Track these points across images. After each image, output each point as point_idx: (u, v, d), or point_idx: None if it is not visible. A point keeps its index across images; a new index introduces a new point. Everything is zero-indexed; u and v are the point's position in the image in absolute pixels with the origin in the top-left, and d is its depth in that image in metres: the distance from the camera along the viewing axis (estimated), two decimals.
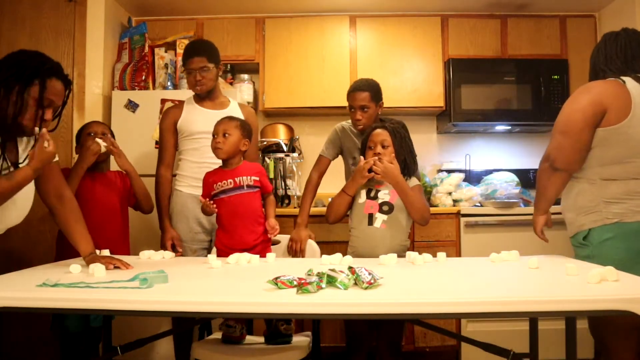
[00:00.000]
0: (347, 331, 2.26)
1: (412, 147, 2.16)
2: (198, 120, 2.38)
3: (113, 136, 2.33)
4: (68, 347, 2.18)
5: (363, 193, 2.10)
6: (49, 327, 2.19)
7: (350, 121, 2.49)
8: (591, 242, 1.76)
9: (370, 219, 2.05)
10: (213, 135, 2.06)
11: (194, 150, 2.39)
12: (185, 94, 2.68)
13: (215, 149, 2.06)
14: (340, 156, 2.61)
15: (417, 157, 2.18)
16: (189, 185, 2.38)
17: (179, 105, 2.47)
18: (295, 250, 2.31)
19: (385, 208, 2.05)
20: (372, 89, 2.40)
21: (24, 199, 1.68)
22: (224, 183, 2.05)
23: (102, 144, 2.19)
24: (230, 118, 2.12)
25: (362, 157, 2.09)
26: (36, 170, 1.58)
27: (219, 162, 2.26)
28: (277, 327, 1.97)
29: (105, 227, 2.19)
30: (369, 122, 2.37)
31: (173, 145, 2.43)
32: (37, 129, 1.58)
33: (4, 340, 1.70)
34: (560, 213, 1.94)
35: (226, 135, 2.03)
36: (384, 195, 2.06)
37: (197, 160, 2.38)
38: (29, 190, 1.69)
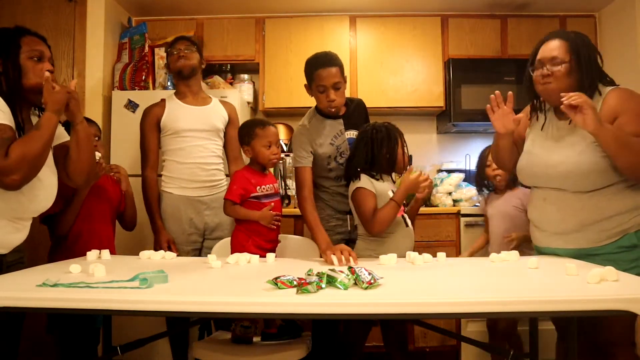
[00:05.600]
0: (343, 336, 2.17)
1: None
2: (182, 117, 2.38)
3: (101, 133, 2.32)
4: (67, 349, 2.17)
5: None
6: (45, 331, 2.15)
7: (306, 117, 2.25)
8: None
9: (405, 220, 2.05)
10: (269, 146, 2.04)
11: (179, 150, 2.37)
12: None
13: (273, 162, 2.07)
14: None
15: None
16: (179, 186, 2.37)
17: (159, 103, 2.45)
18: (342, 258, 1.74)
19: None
20: (339, 62, 2.09)
21: (49, 177, 1.66)
22: (267, 187, 2.07)
23: (98, 154, 2.05)
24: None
25: (412, 168, 2.03)
26: (56, 112, 1.57)
27: (208, 163, 2.35)
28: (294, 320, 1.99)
29: (94, 231, 2.15)
30: (343, 102, 2.13)
31: (156, 144, 2.42)
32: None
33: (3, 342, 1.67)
34: None
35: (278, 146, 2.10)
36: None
37: (184, 161, 2.37)
38: (53, 170, 1.69)
